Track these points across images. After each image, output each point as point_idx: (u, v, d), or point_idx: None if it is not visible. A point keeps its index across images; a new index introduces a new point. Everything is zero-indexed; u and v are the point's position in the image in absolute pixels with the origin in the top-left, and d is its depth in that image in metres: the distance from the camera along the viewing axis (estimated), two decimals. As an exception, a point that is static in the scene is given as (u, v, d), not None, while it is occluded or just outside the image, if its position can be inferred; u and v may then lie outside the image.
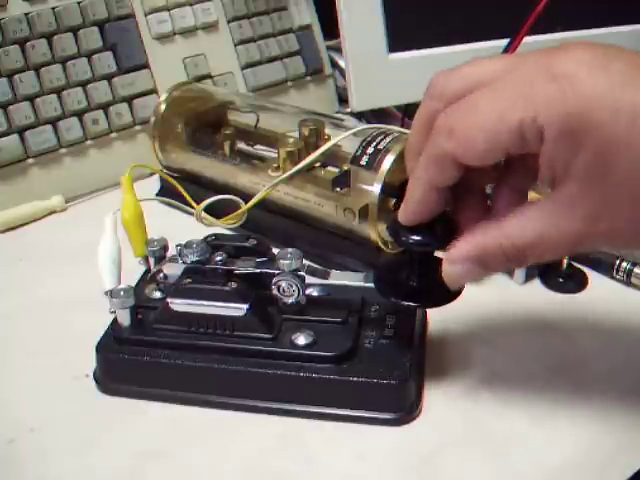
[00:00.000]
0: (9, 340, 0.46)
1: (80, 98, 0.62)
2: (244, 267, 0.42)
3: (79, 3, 0.62)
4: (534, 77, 0.30)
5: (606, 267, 0.49)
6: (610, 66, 0.29)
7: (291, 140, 0.53)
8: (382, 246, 0.48)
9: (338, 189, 0.49)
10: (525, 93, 0.30)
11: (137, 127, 0.65)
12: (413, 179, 0.35)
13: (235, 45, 0.71)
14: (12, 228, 0.58)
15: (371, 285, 0.40)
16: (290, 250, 0.41)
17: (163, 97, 0.59)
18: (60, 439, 0.39)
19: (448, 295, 0.38)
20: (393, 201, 0.46)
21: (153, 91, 0.66)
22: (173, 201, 0.54)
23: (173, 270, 0.42)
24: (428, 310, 0.45)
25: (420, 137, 0.34)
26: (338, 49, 0.69)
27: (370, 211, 0.47)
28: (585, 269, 0.50)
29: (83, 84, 0.62)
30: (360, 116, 0.71)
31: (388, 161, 0.46)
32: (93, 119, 0.63)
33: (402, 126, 0.64)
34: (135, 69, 0.65)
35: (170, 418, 0.40)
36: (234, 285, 0.40)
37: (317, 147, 0.50)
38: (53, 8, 0.61)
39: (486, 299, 0.48)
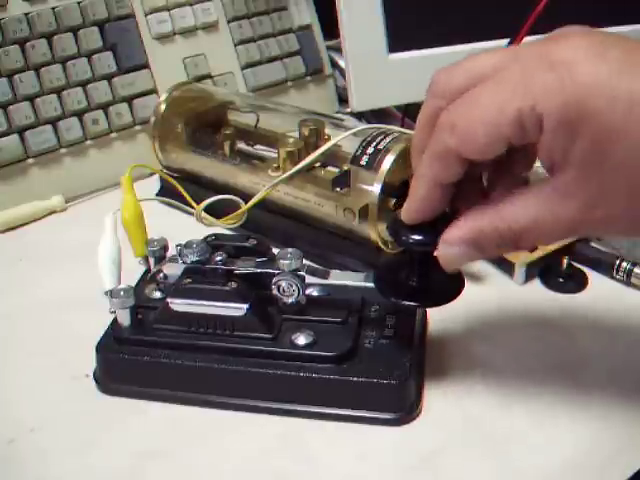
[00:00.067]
0: (9, 340, 0.46)
1: (80, 98, 0.62)
2: (244, 267, 0.42)
3: (79, 3, 0.62)
4: (533, 67, 0.30)
5: (606, 267, 0.49)
6: (607, 54, 0.29)
7: (291, 140, 0.53)
8: (382, 246, 0.48)
9: (338, 189, 0.49)
10: (524, 83, 0.30)
11: (137, 127, 0.65)
12: (417, 176, 0.35)
13: (235, 45, 0.71)
14: (12, 228, 0.58)
15: (371, 285, 0.40)
16: (290, 250, 0.41)
17: (163, 97, 0.59)
18: (60, 439, 0.39)
19: (448, 295, 0.38)
20: (393, 201, 0.46)
21: (153, 91, 0.66)
22: (173, 201, 0.54)
23: (173, 270, 0.42)
24: (428, 310, 0.45)
25: (424, 135, 0.34)
26: (338, 49, 0.69)
27: (370, 211, 0.47)
28: (585, 269, 0.50)
29: (83, 84, 0.62)
30: (360, 116, 0.71)
31: (388, 161, 0.46)
32: (93, 119, 0.63)
33: (402, 126, 0.64)
34: (135, 69, 0.65)
35: (170, 418, 0.40)
36: (234, 285, 0.40)
37: (317, 147, 0.50)
38: (53, 8, 0.61)
39: (486, 299, 0.48)
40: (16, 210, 0.59)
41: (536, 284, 0.50)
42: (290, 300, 0.41)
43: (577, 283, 0.49)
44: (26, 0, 0.61)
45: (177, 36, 0.68)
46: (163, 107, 0.58)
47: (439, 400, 0.40)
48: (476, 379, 0.42)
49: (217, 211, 0.47)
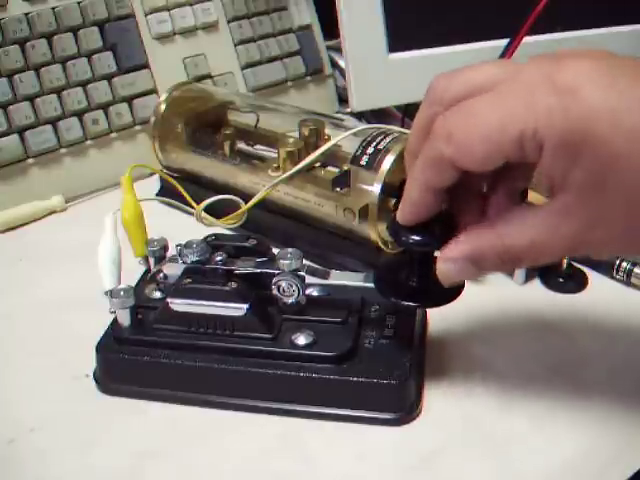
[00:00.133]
0: (9, 340, 0.46)
1: (80, 98, 0.62)
2: (244, 267, 0.42)
3: (79, 3, 0.62)
4: (536, 86, 0.30)
5: (606, 267, 0.49)
6: (615, 83, 0.29)
7: (291, 140, 0.53)
8: (382, 246, 0.48)
9: (338, 189, 0.49)
10: (527, 102, 0.30)
11: (137, 127, 0.65)
12: (410, 180, 0.35)
13: (235, 45, 0.71)
14: (12, 228, 0.58)
15: (371, 285, 0.40)
16: (290, 250, 0.41)
17: (163, 97, 0.59)
18: (60, 439, 0.39)
19: (448, 295, 0.38)
20: (393, 201, 0.46)
21: (153, 91, 0.66)
22: (173, 201, 0.54)
23: (173, 270, 0.42)
24: (428, 310, 0.45)
25: (419, 140, 0.34)
26: (338, 49, 0.69)
27: (370, 211, 0.47)
28: (585, 269, 0.50)
29: (83, 84, 0.62)
30: (360, 116, 0.71)
31: (388, 161, 0.46)
32: (93, 119, 0.63)
33: (402, 126, 0.64)
34: (135, 69, 0.65)
35: (170, 418, 0.40)
36: (234, 285, 0.40)
37: (317, 147, 0.50)
38: (53, 8, 0.61)
39: (486, 299, 0.48)
40: (16, 210, 0.59)
41: (536, 284, 0.50)
42: (290, 300, 0.41)
43: (577, 283, 0.49)
44: (26, 0, 0.61)
45: (177, 36, 0.68)
46: (163, 107, 0.58)
47: (439, 400, 0.40)
48: (476, 379, 0.42)
49: (217, 211, 0.47)
